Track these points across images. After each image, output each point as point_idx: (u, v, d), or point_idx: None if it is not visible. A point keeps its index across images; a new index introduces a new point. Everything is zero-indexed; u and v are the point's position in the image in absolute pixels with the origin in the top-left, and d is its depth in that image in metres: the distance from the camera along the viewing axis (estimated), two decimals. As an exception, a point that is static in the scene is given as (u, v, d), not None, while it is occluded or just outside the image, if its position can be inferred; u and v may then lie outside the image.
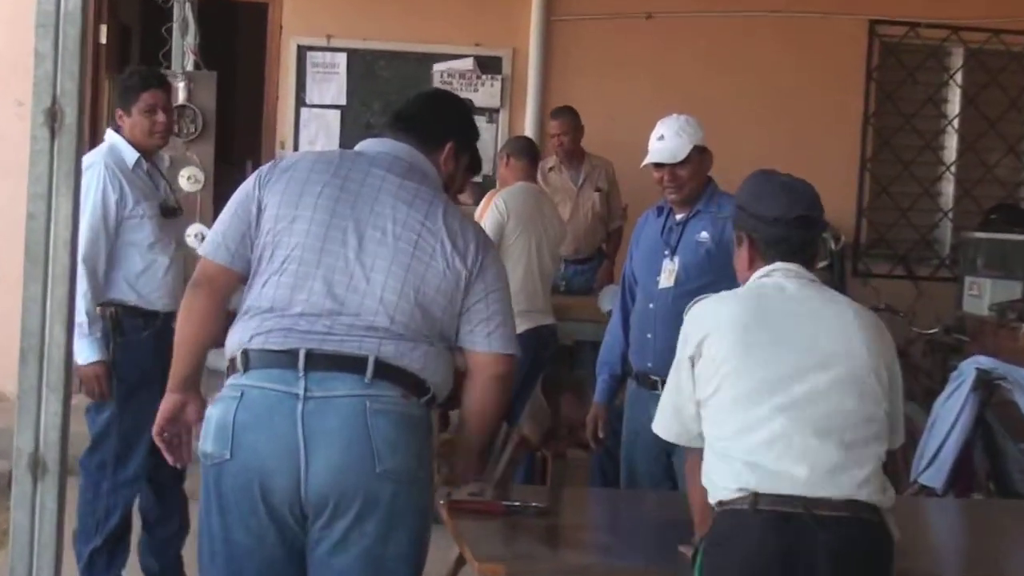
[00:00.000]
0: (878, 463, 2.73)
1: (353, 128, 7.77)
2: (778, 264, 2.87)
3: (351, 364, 2.85)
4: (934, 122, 8.41)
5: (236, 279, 3.01)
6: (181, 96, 7.23)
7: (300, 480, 2.81)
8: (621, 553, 3.25)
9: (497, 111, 7.86)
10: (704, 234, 4.21)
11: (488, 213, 5.93)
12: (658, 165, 4.20)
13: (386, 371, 2.87)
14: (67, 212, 2.49)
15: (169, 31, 7.41)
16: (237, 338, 2.95)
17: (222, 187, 6.22)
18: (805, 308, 2.81)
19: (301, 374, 2.84)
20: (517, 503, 3.42)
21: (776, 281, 2.85)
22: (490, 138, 7.66)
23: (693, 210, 4.25)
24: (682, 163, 4.17)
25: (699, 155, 4.23)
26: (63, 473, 2.60)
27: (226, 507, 2.88)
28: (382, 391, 2.85)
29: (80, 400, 6.32)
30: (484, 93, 7.86)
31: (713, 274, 4.12)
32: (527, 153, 6.26)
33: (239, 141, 9.47)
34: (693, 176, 4.21)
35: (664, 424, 2.88)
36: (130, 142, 4.56)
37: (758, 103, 7.98)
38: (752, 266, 2.90)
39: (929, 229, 8.46)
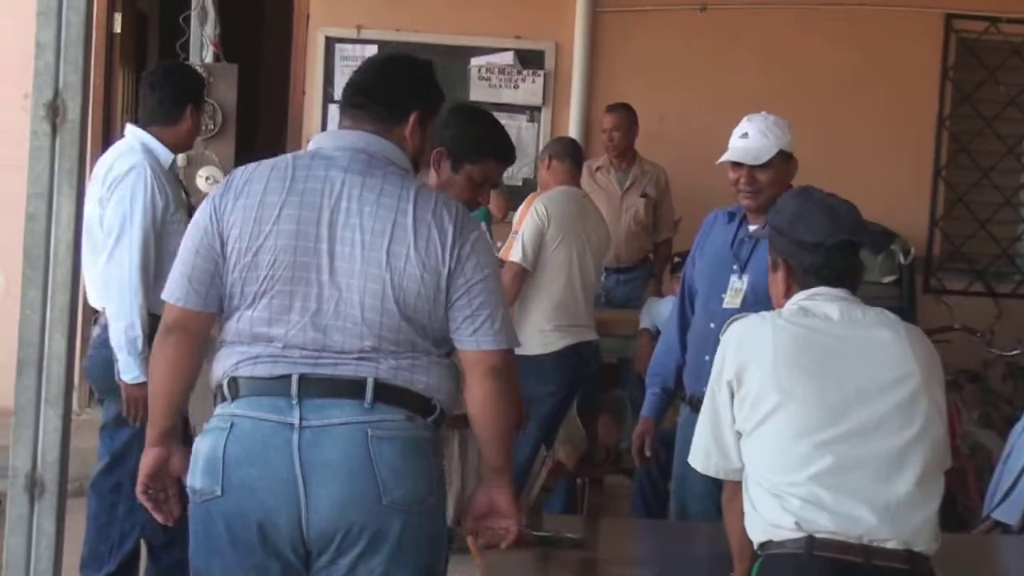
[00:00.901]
0: (940, 497, 2.72)
1: (383, 126, 7.78)
2: (821, 288, 2.86)
3: (348, 389, 2.83)
4: (1016, 125, 8.33)
5: (211, 319, 2.98)
6: (199, 90, 7.28)
7: (301, 517, 2.80)
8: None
9: (539, 109, 7.86)
10: None
11: (527, 218, 5.93)
12: (736, 165, 4.12)
13: (387, 393, 2.84)
14: (69, 213, 2.50)
15: (187, 20, 7.46)
16: (222, 365, 2.93)
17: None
18: (854, 334, 2.80)
19: (295, 401, 2.82)
20: (549, 533, 3.41)
21: (819, 305, 2.83)
22: (531, 138, 7.67)
23: (762, 228, 4.20)
24: (763, 166, 4.09)
25: (784, 161, 4.15)
26: (62, 494, 2.61)
27: (219, 548, 2.86)
28: (384, 415, 2.82)
29: (90, 416, 6.34)
30: (525, 90, 7.86)
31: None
32: (570, 155, 6.25)
33: (262, 139, 9.55)
34: (774, 183, 4.10)
35: (701, 456, 2.87)
36: (161, 141, 4.60)
37: (821, 104, 7.93)
38: (788, 293, 2.90)
39: (1011, 242, 8.38)
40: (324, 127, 7.76)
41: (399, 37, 7.81)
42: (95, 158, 6.96)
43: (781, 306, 2.92)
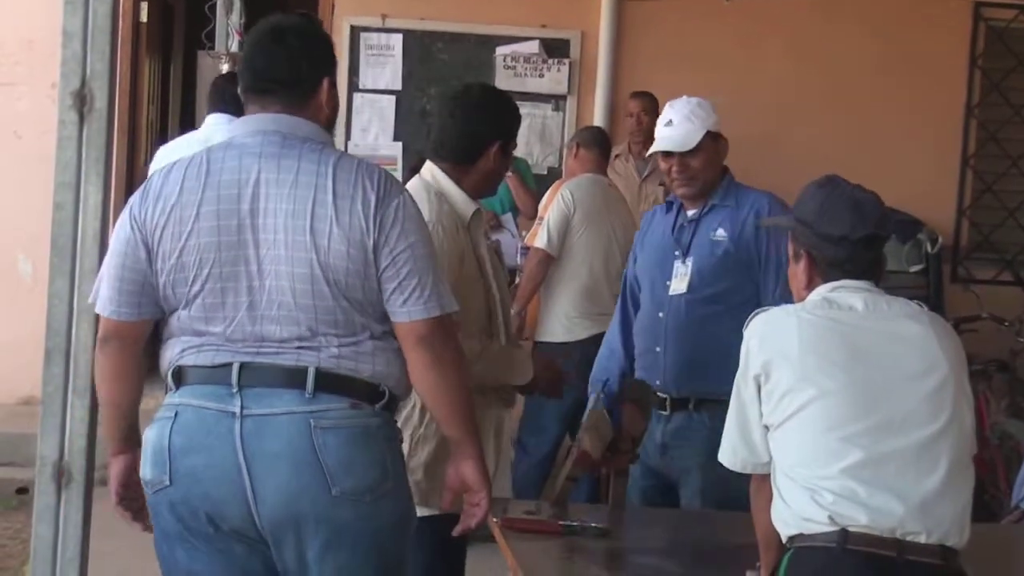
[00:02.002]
0: (971, 488, 2.71)
1: (408, 115, 7.80)
2: (845, 281, 2.84)
3: (289, 378, 2.79)
4: (1045, 114, 8.28)
5: (148, 325, 2.93)
6: (225, 79, 7.30)
7: (250, 508, 2.77)
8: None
9: (564, 98, 7.84)
10: (721, 232, 4.05)
11: (553, 205, 5.93)
12: (666, 154, 4.05)
13: (329, 382, 2.80)
14: (96, 202, 2.52)
15: (213, 10, 7.48)
16: (168, 356, 2.90)
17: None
18: (880, 325, 2.78)
19: (235, 389, 2.78)
20: (575, 523, 3.41)
21: (843, 297, 2.81)
22: (556, 127, 7.66)
23: (707, 205, 4.09)
24: (693, 152, 4.01)
25: (713, 142, 4.05)
26: (89, 483, 2.63)
27: (179, 535, 2.84)
28: (328, 405, 2.78)
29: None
30: (550, 79, 7.84)
31: (732, 278, 4.00)
32: (597, 144, 6.24)
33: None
34: (706, 167, 4.04)
35: (730, 452, 2.85)
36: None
37: (847, 93, 7.90)
38: (810, 285, 2.87)
39: (1040, 231, 8.33)
40: (349, 116, 7.77)
41: (424, 26, 7.81)
42: (121, 147, 7.00)
43: (802, 298, 2.90)
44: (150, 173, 4.64)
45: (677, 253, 4.08)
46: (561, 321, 5.88)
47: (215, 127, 4.96)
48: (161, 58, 9.17)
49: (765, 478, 2.79)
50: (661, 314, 4.09)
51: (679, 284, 4.04)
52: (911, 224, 7.61)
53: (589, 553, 3.28)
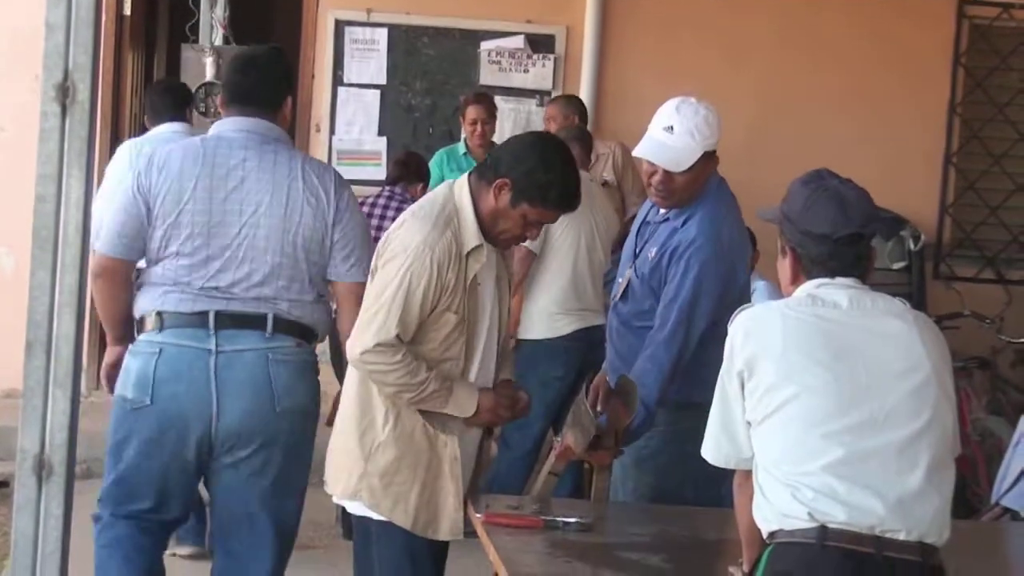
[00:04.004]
0: (951, 487, 2.71)
1: (393, 109, 7.79)
2: (828, 278, 2.83)
3: (253, 322, 3.71)
4: (1028, 112, 8.31)
5: (132, 267, 3.83)
6: (209, 73, 7.29)
7: (212, 423, 3.69)
8: (667, 574, 3.24)
9: (548, 94, 7.82)
10: (652, 251, 3.90)
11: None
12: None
13: (283, 325, 3.74)
14: (79, 194, 2.49)
15: (197, 2, 7.46)
16: (148, 300, 3.76)
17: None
18: (864, 322, 2.77)
19: (212, 332, 3.68)
20: (557, 518, 3.41)
21: (828, 293, 2.81)
22: (540, 123, 7.66)
23: (667, 215, 3.92)
24: (682, 171, 3.80)
25: (704, 163, 3.82)
26: (70, 476, 2.61)
27: (142, 440, 3.73)
28: (281, 343, 3.74)
29: (98, 398, 6.39)
30: (535, 74, 7.85)
31: (649, 300, 3.88)
32: (579, 141, 6.24)
33: (271, 122, 9.51)
34: (689, 185, 3.82)
35: (713, 447, 2.85)
36: None
37: (832, 89, 7.93)
38: (796, 281, 2.87)
39: (1021, 229, 8.35)
40: (333, 109, 7.78)
41: (409, 20, 7.80)
42: (104, 139, 6.98)
43: (788, 292, 2.90)
44: (109, 172, 4.98)
45: (635, 253, 4.00)
46: (543, 318, 5.88)
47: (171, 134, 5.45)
48: (145, 51, 9.13)
49: (748, 474, 2.79)
50: (611, 312, 4.11)
51: (619, 290, 4.02)
52: (894, 221, 7.64)
53: (571, 548, 3.28)
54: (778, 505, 2.69)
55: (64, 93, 2.41)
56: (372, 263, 3.56)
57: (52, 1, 2.42)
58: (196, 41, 7.39)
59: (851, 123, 7.88)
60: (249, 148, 3.74)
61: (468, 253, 3.46)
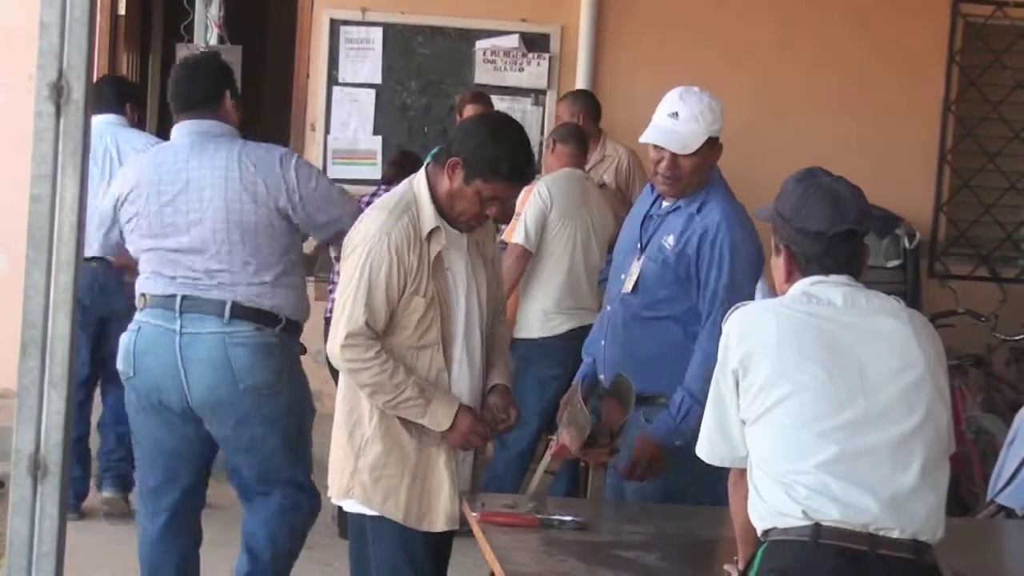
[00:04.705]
0: (946, 485, 2.71)
1: (388, 108, 7.79)
2: (823, 275, 2.83)
3: (213, 307, 4.08)
4: (1023, 110, 8.30)
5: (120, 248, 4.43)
6: (204, 72, 7.25)
7: (185, 394, 4.09)
8: (662, 573, 3.24)
9: (543, 93, 7.83)
10: (670, 238, 3.91)
11: (530, 200, 5.92)
12: (659, 146, 3.88)
13: (241, 311, 4.08)
14: (73, 194, 2.49)
15: (192, 2, 7.45)
16: (140, 282, 4.22)
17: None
18: (858, 320, 2.78)
19: (177, 315, 4.08)
20: (553, 517, 3.41)
21: (822, 291, 2.81)
22: (535, 121, 7.66)
23: (676, 204, 3.94)
24: (688, 155, 3.85)
25: (710, 148, 3.88)
26: (65, 476, 2.61)
27: (140, 408, 4.20)
28: (239, 328, 4.08)
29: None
30: (530, 73, 7.84)
31: (671, 288, 3.87)
32: (575, 138, 6.25)
33: (266, 122, 9.52)
34: (697, 170, 3.87)
35: (708, 446, 2.85)
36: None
37: (827, 86, 7.93)
38: (790, 279, 2.87)
39: (1016, 227, 8.36)
40: (328, 109, 7.77)
41: (404, 19, 7.79)
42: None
43: (783, 291, 2.90)
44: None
45: (639, 246, 3.99)
46: (538, 316, 5.88)
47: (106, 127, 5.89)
48: (139, 51, 9.14)
49: (743, 473, 2.79)
50: (609, 308, 4.07)
51: (628, 283, 3.97)
52: (889, 219, 7.64)
53: (567, 546, 3.28)
54: (772, 503, 2.69)
55: (58, 93, 2.41)
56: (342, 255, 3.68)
57: (46, 0, 2.42)
58: (191, 40, 7.38)
59: (846, 121, 7.88)
60: (193, 150, 4.15)
61: (428, 235, 3.51)
